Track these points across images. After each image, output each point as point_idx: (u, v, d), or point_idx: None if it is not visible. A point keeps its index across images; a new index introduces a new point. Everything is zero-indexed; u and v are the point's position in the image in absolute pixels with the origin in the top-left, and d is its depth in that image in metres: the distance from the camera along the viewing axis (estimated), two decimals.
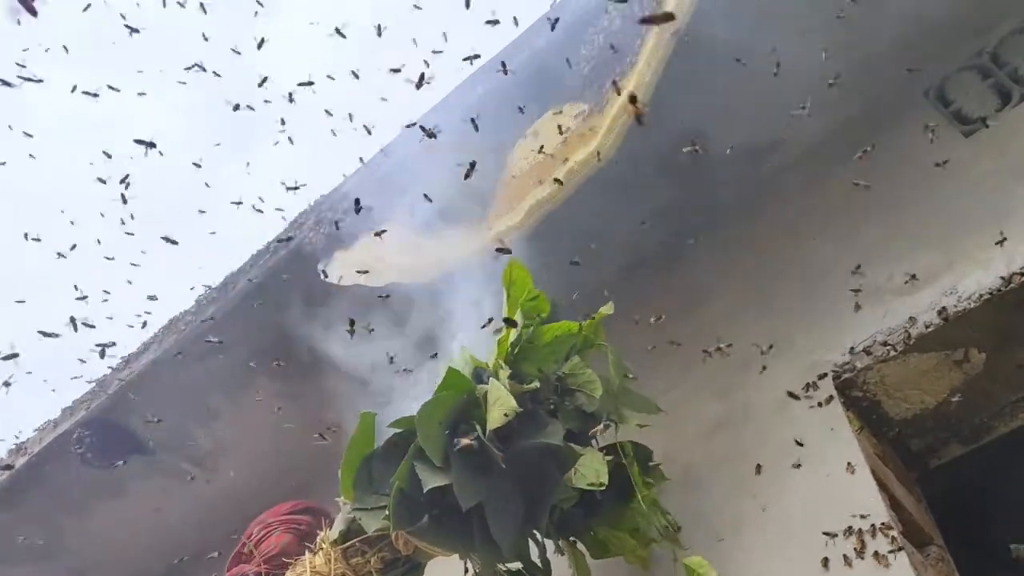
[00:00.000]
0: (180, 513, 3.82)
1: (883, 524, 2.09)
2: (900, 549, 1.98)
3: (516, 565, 2.28)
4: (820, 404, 2.40)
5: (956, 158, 2.60)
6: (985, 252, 2.35)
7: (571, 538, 2.35)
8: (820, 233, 2.74)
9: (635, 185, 2.93)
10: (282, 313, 3.29)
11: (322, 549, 2.41)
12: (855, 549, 2.06)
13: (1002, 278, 2.26)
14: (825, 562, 2.10)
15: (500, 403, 2.14)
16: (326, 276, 3.02)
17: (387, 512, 2.15)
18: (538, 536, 2.27)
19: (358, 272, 2.99)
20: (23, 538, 3.76)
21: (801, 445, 2.34)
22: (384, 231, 2.87)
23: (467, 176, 2.65)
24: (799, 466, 2.31)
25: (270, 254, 3.29)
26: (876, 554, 2.03)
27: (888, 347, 2.39)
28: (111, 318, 3.50)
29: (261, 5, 3.23)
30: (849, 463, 2.22)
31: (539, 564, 2.31)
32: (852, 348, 2.45)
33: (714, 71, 2.74)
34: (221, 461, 3.70)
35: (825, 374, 2.45)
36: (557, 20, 2.69)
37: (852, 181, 2.75)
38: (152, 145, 2.95)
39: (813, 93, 2.81)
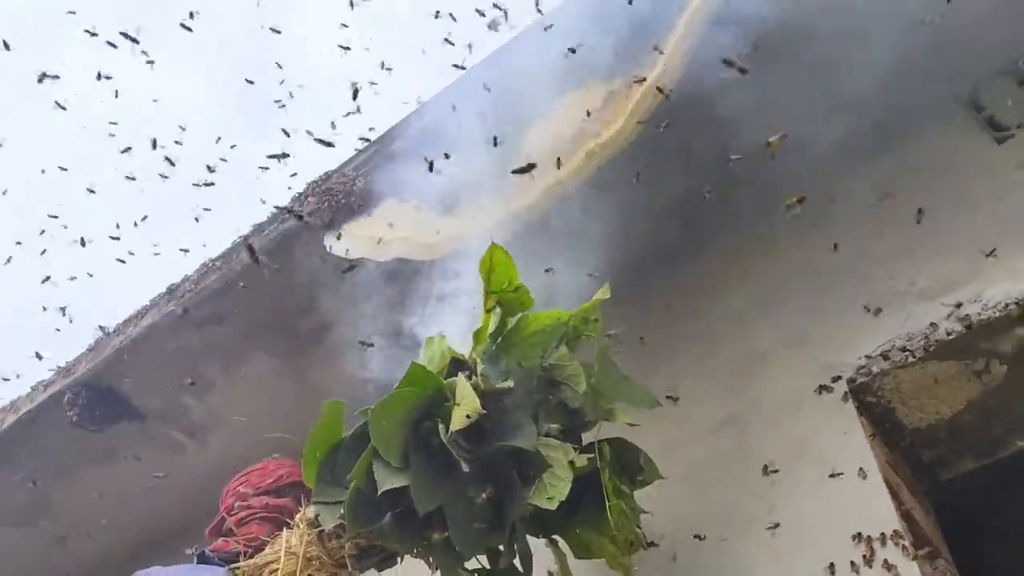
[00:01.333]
0: (169, 483, 3.75)
1: (894, 532, 2.03)
2: (913, 559, 1.92)
3: (477, 565, 2.17)
4: (833, 407, 2.34)
5: (987, 165, 2.53)
6: (1013, 261, 2.29)
7: (553, 536, 2.24)
8: (842, 234, 2.67)
9: (652, 176, 2.86)
10: (285, 285, 3.24)
11: (299, 527, 2.31)
12: (864, 556, 2.00)
13: None
14: (831, 568, 2.04)
15: (465, 403, 2.00)
16: (331, 249, 2.95)
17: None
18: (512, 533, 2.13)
19: (365, 245, 2.93)
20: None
21: (810, 448, 2.29)
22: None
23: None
24: (809, 469, 2.24)
25: (276, 223, 3.22)
26: (885, 563, 1.97)
27: (907, 353, 2.33)
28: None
29: None
30: (861, 468, 2.16)
31: (515, 564, 2.18)
32: (869, 353, 2.38)
33: (744, 62, 2.68)
34: (213, 432, 3.64)
35: (840, 376, 2.38)
36: None
37: (875, 185, 2.70)
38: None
39: (846, 94, 2.76)
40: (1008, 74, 2.66)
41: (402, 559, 2.31)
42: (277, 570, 2.25)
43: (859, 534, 2.07)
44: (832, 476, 2.19)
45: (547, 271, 2.53)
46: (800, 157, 2.90)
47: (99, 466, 3.69)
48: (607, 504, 2.04)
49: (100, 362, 3.44)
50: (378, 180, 3.03)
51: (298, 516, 2.38)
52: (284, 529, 2.35)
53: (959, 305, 2.31)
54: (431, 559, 2.17)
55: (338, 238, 2.97)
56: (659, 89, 2.44)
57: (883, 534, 2.02)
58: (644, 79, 2.59)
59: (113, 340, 3.46)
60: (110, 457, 3.67)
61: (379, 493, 1.96)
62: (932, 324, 2.32)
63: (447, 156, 2.73)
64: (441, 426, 2.02)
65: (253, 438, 3.62)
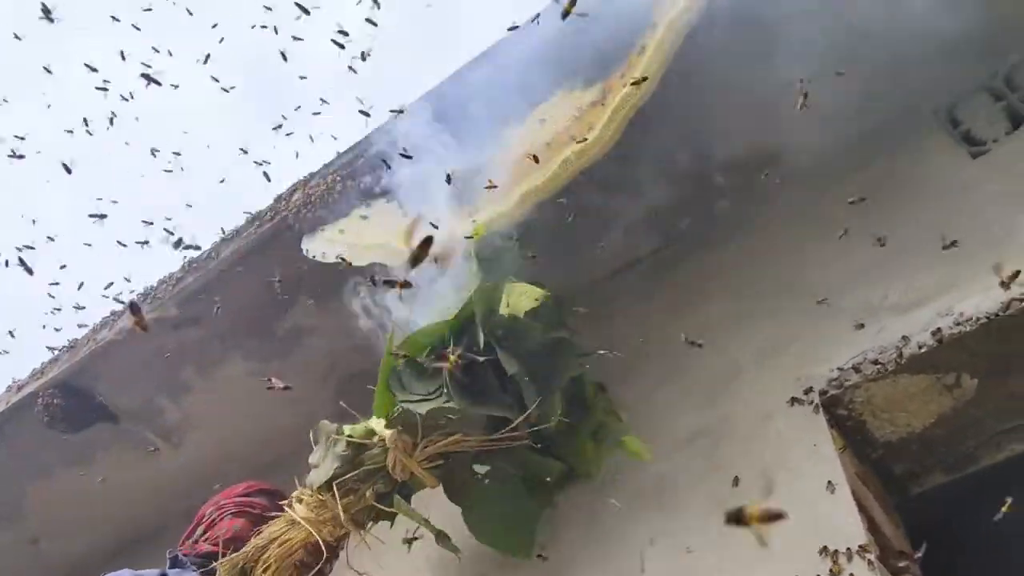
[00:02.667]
0: (141, 486, 3.72)
1: (860, 547, 2.02)
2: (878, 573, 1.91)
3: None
4: (804, 419, 2.33)
5: (962, 179, 2.54)
6: (985, 275, 2.28)
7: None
8: (816, 246, 2.67)
9: (629, 183, 2.86)
10: (263, 287, 3.22)
11: (301, 501, 2.48)
12: (831, 571, 1.99)
13: (1001, 303, 2.20)
14: None
15: (527, 293, 2.50)
16: (308, 252, 2.94)
17: (437, 397, 2.37)
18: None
19: (341, 249, 2.91)
20: None
21: (781, 461, 2.28)
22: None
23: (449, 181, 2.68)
24: (778, 481, 2.24)
25: (255, 225, 3.21)
26: None
27: (878, 366, 2.32)
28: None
29: None
30: (830, 482, 2.15)
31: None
32: (841, 365, 2.38)
33: (720, 74, 2.68)
34: (187, 435, 3.62)
35: (811, 389, 2.37)
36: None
37: (850, 197, 2.71)
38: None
39: (823, 106, 2.77)
40: (984, 90, 2.67)
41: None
42: (287, 541, 2.35)
43: (826, 548, 2.05)
44: (800, 489, 2.18)
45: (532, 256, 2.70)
46: (777, 170, 2.92)
47: (73, 468, 3.66)
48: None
49: (75, 363, 3.41)
50: (356, 184, 3.02)
51: (294, 495, 2.54)
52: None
53: (932, 319, 2.31)
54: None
55: (315, 241, 2.96)
56: (628, 102, 2.44)
57: (849, 548, 2.01)
58: (621, 88, 2.59)
59: (88, 341, 3.44)
60: (84, 459, 3.64)
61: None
62: (904, 337, 2.32)
63: (407, 154, 2.76)
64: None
65: (229, 440, 3.63)
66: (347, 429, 2.52)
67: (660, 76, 2.52)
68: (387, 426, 2.47)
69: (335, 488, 2.43)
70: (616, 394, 2.76)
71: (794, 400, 2.38)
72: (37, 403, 3.48)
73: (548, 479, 2.59)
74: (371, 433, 2.49)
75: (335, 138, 3.18)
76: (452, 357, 2.32)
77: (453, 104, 2.89)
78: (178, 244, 3.54)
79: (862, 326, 2.42)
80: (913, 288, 2.40)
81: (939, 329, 2.27)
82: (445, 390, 2.37)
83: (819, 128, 2.85)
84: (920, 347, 2.28)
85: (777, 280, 2.69)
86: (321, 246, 2.92)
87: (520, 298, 2.50)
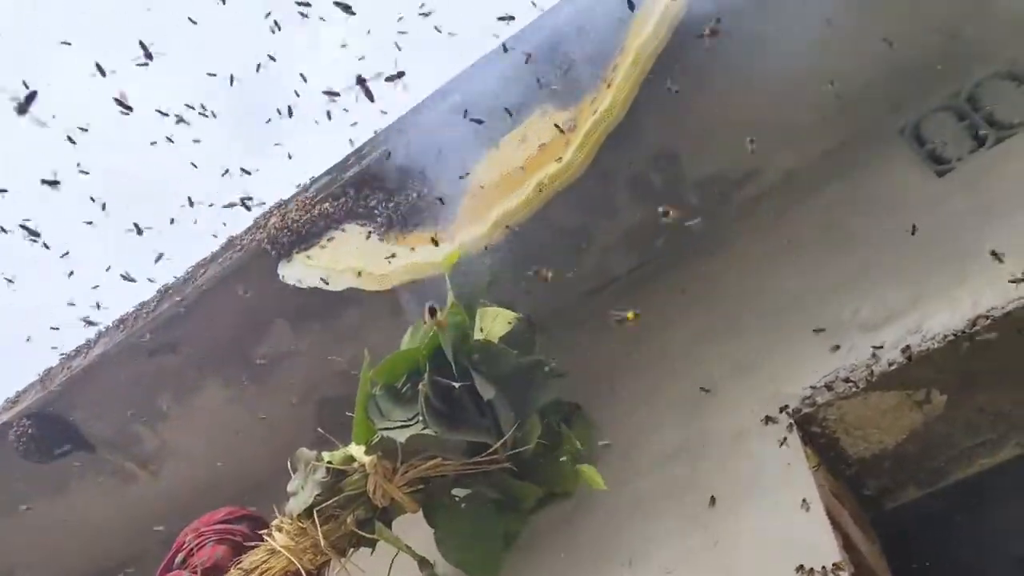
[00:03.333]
0: (118, 515, 3.68)
1: (835, 565, 2.03)
2: None
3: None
4: (778, 438, 2.35)
5: (928, 197, 2.58)
6: (951, 292, 2.32)
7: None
8: (788, 264, 2.70)
9: (604, 205, 2.89)
10: (240, 313, 3.21)
11: (281, 529, 2.48)
12: None
13: (968, 320, 2.23)
14: None
15: (500, 317, 2.57)
16: (284, 277, 2.94)
17: (416, 423, 2.38)
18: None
19: (319, 277, 2.91)
20: None
21: (756, 479, 2.30)
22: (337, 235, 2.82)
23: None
24: (753, 500, 2.25)
25: (232, 250, 3.21)
26: None
27: (850, 384, 2.35)
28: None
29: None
30: (804, 500, 2.16)
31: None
32: (814, 383, 2.40)
33: (690, 95, 2.72)
34: (165, 463, 3.58)
35: (785, 407, 2.39)
36: None
37: (819, 215, 2.75)
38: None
39: (791, 123, 2.81)
40: (948, 109, 2.72)
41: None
42: (268, 570, 2.36)
43: (802, 566, 2.06)
44: (775, 507, 2.20)
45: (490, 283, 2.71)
46: (747, 187, 2.96)
47: (47, 497, 3.62)
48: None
49: (50, 392, 3.39)
50: (332, 207, 3.03)
51: (274, 523, 2.54)
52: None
53: (901, 336, 2.34)
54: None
55: (290, 267, 2.96)
56: (599, 129, 2.48)
57: (824, 567, 2.02)
58: (593, 112, 2.62)
59: (63, 369, 3.41)
60: (59, 488, 3.60)
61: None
62: (874, 355, 2.35)
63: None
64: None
65: (206, 467, 3.60)
66: (327, 456, 2.51)
67: (630, 101, 2.55)
68: (367, 452, 2.47)
69: (315, 515, 2.43)
70: (593, 413, 2.77)
71: (768, 419, 2.40)
72: (10, 433, 3.44)
73: (524, 503, 2.59)
74: (351, 459, 2.49)
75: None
76: (423, 385, 2.36)
77: (430, 126, 2.92)
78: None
79: (833, 343, 2.45)
80: (883, 305, 2.43)
81: (908, 346, 2.30)
82: (421, 417, 2.38)
83: (789, 147, 2.91)
84: (890, 364, 2.31)
85: (749, 297, 2.72)
86: (298, 271, 2.92)
87: (493, 322, 2.54)
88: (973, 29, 2.68)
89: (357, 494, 2.46)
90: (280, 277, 3.02)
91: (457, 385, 2.38)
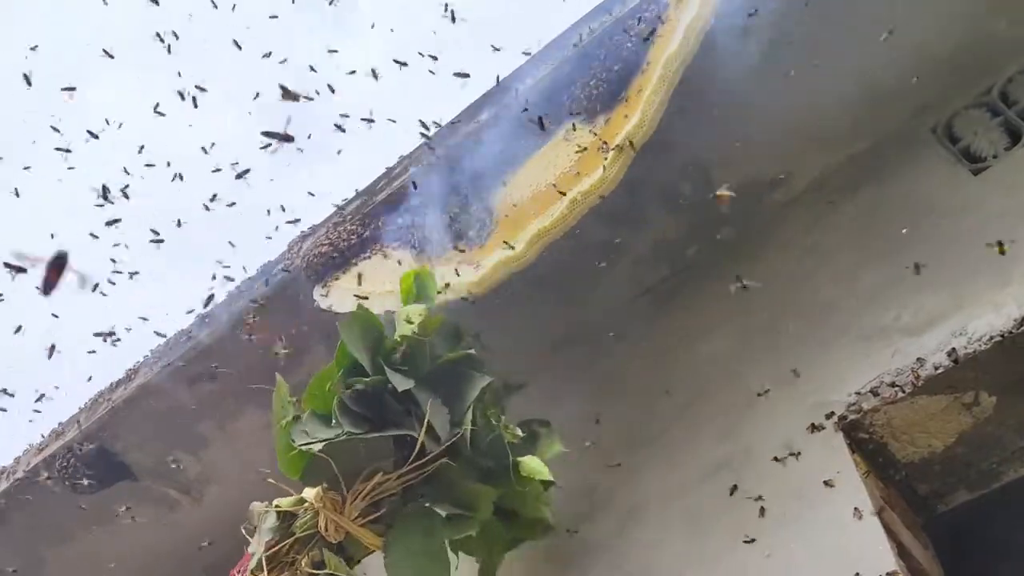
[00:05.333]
0: (165, 540, 3.71)
1: (890, 573, 2.02)
2: None
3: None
4: (825, 445, 2.34)
5: (964, 196, 2.56)
6: (995, 293, 2.30)
7: None
8: (825, 270, 2.69)
9: (636, 218, 2.89)
10: (277, 338, 3.23)
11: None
12: None
13: (1014, 320, 2.21)
14: None
15: (409, 313, 2.51)
16: (319, 303, 2.96)
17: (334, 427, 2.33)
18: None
19: (356, 297, 2.93)
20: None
21: (805, 488, 2.28)
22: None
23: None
24: (804, 510, 2.24)
25: (268, 275, 3.23)
26: None
27: (896, 388, 2.33)
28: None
29: None
30: (856, 508, 2.15)
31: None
32: (859, 389, 2.39)
33: (720, 103, 2.72)
34: (207, 489, 3.61)
35: (831, 414, 2.38)
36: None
37: (853, 220, 2.73)
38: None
39: (820, 126, 2.80)
40: (981, 105, 2.69)
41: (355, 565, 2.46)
42: None
43: (858, 574, 2.06)
44: (827, 517, 2.19)
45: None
46: (779, 193, 2.95)
47: (94, 528, 3.65)
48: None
49: (93, 423, 3.42)
50: (364, 232, 3.04)
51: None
52: None
53: (945, 339, 2.32)
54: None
55: (325, 291, 2.98)
56: (630, 143, 2.48)
57: None
58: (624, 125, 2.62)
59: (105, 400, 3.45)
60: (105, 518, 3.63)
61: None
62: (919, 359, 2.33)
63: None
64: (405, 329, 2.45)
65: (249, 492, 3.61)
66: (276, 501, 2.46)
67: (660, 113, 2.55)
68: (304, 482, 2.44)
69: (265, 567, 2.32)
70: (634, 427, 2.77)
71: (814, 427, 2.39)
72: (56, 464, 3.49)
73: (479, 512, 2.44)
74: (301, 502, 2.42)
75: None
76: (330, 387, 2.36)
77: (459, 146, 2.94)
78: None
79: (877, 348, 2.43)
80: (924, 309, 2.41)
81: (954, 349, 2.28)
82: (334, 421, 2.34)
83: (819, 151, 2.89)
84: (936, 368, 2.30)
85: (787, 306, 2.71)
86: (333, 296, 2.93)
87: (403, 322, 2.51)
88: (1004, 25, 2.66)
89: (310, 535, 2.37)
90: (315, 303, 3.04)
91: (367, 380, 2.34)
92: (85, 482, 3.47)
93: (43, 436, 3.64)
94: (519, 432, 2.54)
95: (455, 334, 2.65)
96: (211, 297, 3.26)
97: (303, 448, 2.35)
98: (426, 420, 2.33)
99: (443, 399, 2.44)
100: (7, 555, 3.62)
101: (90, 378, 3.65)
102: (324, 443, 2.33)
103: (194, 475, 3.59)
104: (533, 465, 2.44)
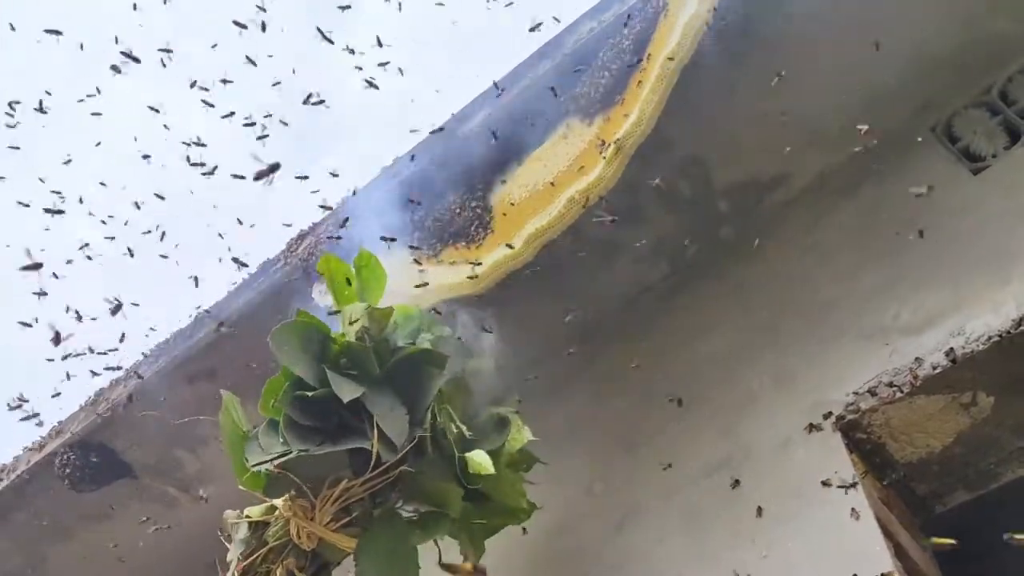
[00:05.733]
0: (165, 539, 3.72)
1: (887, 574, 2.01)
2: None
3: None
4: (823, 445, 2.34)
5: (964, 196, 2.55)
6: (994, 293, 2.30)
7: None
8: (823, 269, 2.69)
9: (634, 217, 2.88)
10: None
11: None
12: None
13: (1012, 320, 2.21)
14: None
15: (352, 312, 2.43)
16: (316, 302, 2.96)
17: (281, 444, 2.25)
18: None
19: None
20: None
21: (803, 488, 2.28)
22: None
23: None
24: (801, 510, 2.24)
25: (263, 277, 3.24)
26: None
27: (894, 388, 2.33)
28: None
29: None
30: (853, 509, 2.15)
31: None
32: (857, 389, 2.39)
33: (717, 102, 2.71)
34: (208, 487, 3.62)
35: (829, 414, 2.38)
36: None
37: (852, 219, 2.72)
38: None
39: (819, 125, 2.79)
40: (979, 105, 2.69)
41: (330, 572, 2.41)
42: None
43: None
44: (824, 517, 2.18)
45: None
46: (777, 193, 2.94)
47: (94, 525, 3.66)
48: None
49: (92, 421, 3.43)
50: (359, 229, 3.04)
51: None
52: None
53: (943, 339, 2.32)
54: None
55: (323, 291, 2.97)
56: (628, 142, 2.48)
57: None
58: (623, 123, 2.62)
59: (104, 399, 3.46)
60: (105, 516, 3.64)
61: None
62: (917, 359, 2.33)
63: (417, 203, 2.78)
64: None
65: (248, 492, 3.62)
66: (247, 511, 2.40)
67: (659, 111, 2.55)
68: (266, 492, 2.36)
69: (247, 568, 2.27)
70: (633, 424, 2.77)
71: (812, 426, 2.39)
72: (56, 462, 3.50)
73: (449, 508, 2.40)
74: (272, 510, 2.35)
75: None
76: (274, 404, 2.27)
77: (455, 144, 2.94)
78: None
79: (875, 348, 2.43)
80: (923, 308, 2.41)
81: (952, 349, 2.28)
82: (282, 439, 2.26)
83: (818, 150, 2.88)
84: (934, 368, 2.29)
85: (786, 305, 2.70)
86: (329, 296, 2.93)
87: (347, 322, 2.43)
88: (1002, 23, 2.65)
89: (283, 544, 2.30)
90: (313, 301, 3.04)
91: (313, 393, 2.26)
92: (84, 480, 3.48)
93: (42, 436, 3.65)
94: (467, 432, 2.43)
95: (419, 322, 2.55)
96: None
97: (256, 468, 2.29)
98: (376, 430, 2.23)
99: (403, 398, 2.34)
100: (8, 553, 3.63)
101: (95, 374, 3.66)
102: (277, 460, 2.25)
103: (194, 473, 3.60)
104: (479, 460, 2.32)
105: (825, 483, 2.25)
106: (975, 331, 2.27)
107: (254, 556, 2.27)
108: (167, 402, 3.39)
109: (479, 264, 2.67)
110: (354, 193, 3.24)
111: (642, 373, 2.80)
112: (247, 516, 2.35)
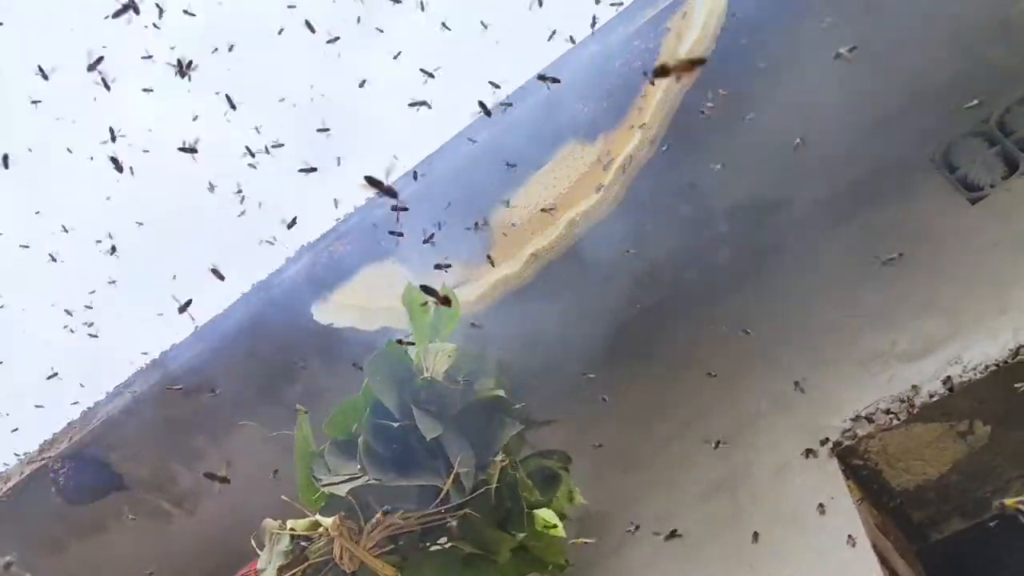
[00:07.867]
0: (158, 552, 3.69)
1: None
2: None
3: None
4: (820, 471, 2.34)
5: (962, 225, 2.57)
6: (991, 322, 2.31)
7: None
8: (821, 295, 2.70)
9: (635, 239, 2.89)
10: (271, 353, 3.23)
11: None
12: None
13: (1010, 350, 2.22)
14: None
15: (440, 352, 2.42)
16: (316, 318, 2.95)
17: (357, 474, 2.26)
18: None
19: (352, 315, 2.93)
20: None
21: (799, 514, 2.28)
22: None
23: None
24: (797, 536, 2.24)
25: (261, 291, 3.23)
26: None
27: (891, 415, 2.34)
28: None
29: None
30: (850, 536, 2.15)
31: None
32: (854, 415, 2.39)
33: (718, 127, 2.73)
34: (201, 502, 3.60)
35: (826, 440, 2.38)
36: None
37: (851, 245, 2.74)
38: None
39: (820, 152, 2.81)
40: (978, 135, 2.71)
41: None
42: None
43: None
44: (821, 543, 2.18)
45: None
46: (778, 218, 2.96)
47: (86, 539, 3.64)
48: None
49: (86, 434, 3.41)
50: (361, 247, 3.05)
51: None
52: None
53: (941, 367, 2.33)
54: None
55: (323, 307, 2.97)
56: (630, 164, 2.49)
57: None
58: (624, 147, 2.63)
59: (99, 412, 3.44)
60: (97, 529, 3.62)
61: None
62: (914, 386, 2.34)
63: (439, 227, 2.79)
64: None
65: (242, 506, 3.60)
66: (291, 523, 2.40)
67: (660, 135, 2.56)
68: (323, 513, 2.36)
69: None
70: (631, 450, 2.77)
71: (809, 452, 2.39)
72: (49, 475, 3.47)
73: (498, 555, 2.39)
74: (316, 525, 2.36)
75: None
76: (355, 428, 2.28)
77: (456, 163, 2.94)
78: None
79: (872, 375, 2.43)
80: (920, 335, 2.42)
81: (949, 377, 2.29)
82: (360, 465, 2.27)
83: (818, 176, 2.90)
84: (931, 396, 2.30)
85: (783, 330, 2.71)
86: (331, 312, 2.93)
87: (436, 358, 2.43)
88: (1000, 54, 2.68)
89: (324, 561, 2.31)
90: (312, 316, 3.04)
91: (396, 424, 2.27)
92: (77, 493, 3.45)
93: (36, 447, 3.62)
94: (531, 486, 2.46)
95: (481, 362, 2.56)
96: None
97: (326, 489, 2.30)
98: (454, 472, 2.25)
99: (471, 441, 2.36)
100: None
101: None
102: (349, 487, 2.26)
103: (188, 488, 3.58)
104: (547, 517, 2.40)
105: (821, 509, 2.25)
106: (972, 360, 2.28)
107: (294, 569, 2.29)
108: (161, 417, 3.38)
109: (476, 285, 2.67)
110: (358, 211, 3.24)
111: (640, 395, 2.80)
112: (291, 529, 2.35)
